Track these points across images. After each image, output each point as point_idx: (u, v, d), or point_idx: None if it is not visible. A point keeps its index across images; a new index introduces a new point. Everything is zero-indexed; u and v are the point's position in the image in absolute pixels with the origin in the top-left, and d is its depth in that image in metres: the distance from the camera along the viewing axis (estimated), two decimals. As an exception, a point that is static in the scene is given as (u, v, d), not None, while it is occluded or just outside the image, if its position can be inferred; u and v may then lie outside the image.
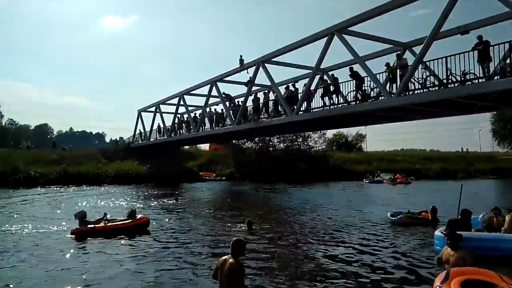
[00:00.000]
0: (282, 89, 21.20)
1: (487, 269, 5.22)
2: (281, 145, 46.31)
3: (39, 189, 28.49)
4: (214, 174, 43.65)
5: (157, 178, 35.47)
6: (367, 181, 38.75)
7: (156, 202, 19.31)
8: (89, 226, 10.86)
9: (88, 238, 10.33)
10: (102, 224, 11.05)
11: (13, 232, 11.35)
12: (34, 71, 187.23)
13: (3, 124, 68.37)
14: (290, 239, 10.33)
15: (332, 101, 18.16)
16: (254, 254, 8.39)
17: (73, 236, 10.57)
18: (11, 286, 6.38)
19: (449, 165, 50.15)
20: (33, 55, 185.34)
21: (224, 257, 4.99)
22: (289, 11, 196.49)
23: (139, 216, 11.69)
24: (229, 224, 12.40)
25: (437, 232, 8.68)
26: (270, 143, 45.82)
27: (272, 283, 6.45)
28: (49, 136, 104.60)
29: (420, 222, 12.95)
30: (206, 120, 29.05)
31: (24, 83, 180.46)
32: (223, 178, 42.49)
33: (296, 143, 46.06)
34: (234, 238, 5.02)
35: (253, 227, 11.38)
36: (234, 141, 44.22)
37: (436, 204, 14.03)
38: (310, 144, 46.95)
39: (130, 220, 11.27)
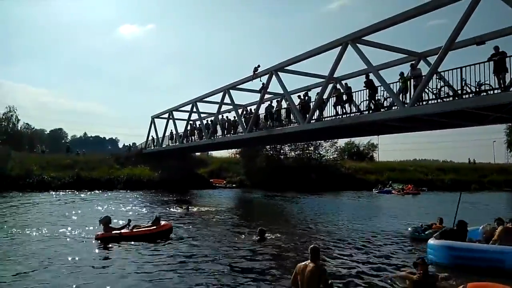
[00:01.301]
0: (294, 97, 21.26)
1: (504, 284, 5.11)
2: (292, 153, 46.24)
3: (52, 193, 28.85)
4: (225, 182, 43.69)
5: (168, 184, 35.64)
6: (377, 191, 38.47)
7: (169, 209, 19.36)
8: (114, 232, 10.97)
9: (113, 244, 10.40)
10: (126, 230, 11.15)
11: (37, 236, 11.44)
12: (50, 76, 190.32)
13: (19, 128, 69.29)
14: (302, 248, 10.25)
15: (344, 110, 18.15)
16: (267, 262, 8.39)
17: (98, 241, 10.67)
18: None
19: (462, 176, 49.41)
20: (50, 61, 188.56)
21: (303, 263, 5.68)
22: (304, 21, 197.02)
23: (163, 223, 11.76)
24: (242, 232, 12.37)
25: (431, 241, 8.67)
26: (282, 151, 45.76)
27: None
28: (63, 141, 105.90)
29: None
30: (218, 127, 29.25)
31: (41, 88, 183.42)
32: (234, 185, 42.51)
33: (307, 151, 45.92)
34: (311, 246, 5.80)
35: (266, 235, 11.31)
36: (245, 149, 44.28)
37: (441, 215, 13.40)
38: (321, 152, 46.79)
39: (155, 227, 11.34)
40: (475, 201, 28.69)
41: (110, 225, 11.21)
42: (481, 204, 25.75)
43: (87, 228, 12.70)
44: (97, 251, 9.70)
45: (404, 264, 8.13)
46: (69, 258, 8.70)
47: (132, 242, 10.54)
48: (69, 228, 12.72)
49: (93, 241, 10.73)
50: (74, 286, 6.59)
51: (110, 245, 10.26)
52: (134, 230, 11.21)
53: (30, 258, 8.61)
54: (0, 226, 13.05)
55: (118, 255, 9.22)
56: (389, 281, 7.07)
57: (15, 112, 65.73)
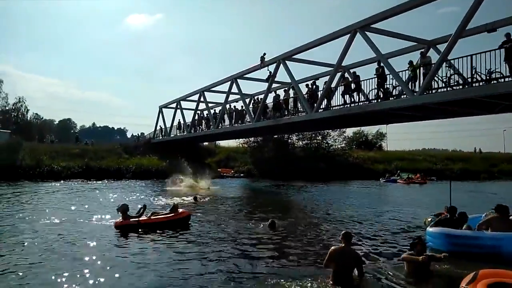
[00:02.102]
0: (302, 87, 21.18)
1: None
2: (300, 142, 46.15)
3: (62, 182, 29.21)
4: (233, 171, 43.85)
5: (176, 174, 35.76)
6: (383, 180, 38.48)
7: (179, 198, 19.44)
8: (132, 219, 11.05)
9: (132, 231, 10.48)
10: (144, 218, 11.23)
11: (55, 224, 11.55)
12: (60, 66, 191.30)
13: (28, 118, 69.98)
14: (315, 238, 10.29)
15: (353, 99, 18.04)
16: (281, 250, 8.46)
17: (117, 229, 10.78)
18: (65, 274, 6.52)
19: (472, 166, 49.08)
20: (59, 51, 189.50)
21: (338, 247, 6.20)
22: (313, 9, 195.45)
23: (181, 210, 11.84)
24: (252, 222, 12.41)
25: (429, 229, 8.80)
26: (289, 141, 45.70)
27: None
28: (72, 131, 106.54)
29: None
30: (226, 116, 29.28)
31: (50, 79, 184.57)
32: (241, 175, 42.63)
33: (315, 141, 45.81)
34: (344, 231, 6.41)
35: (276, 226, 11.31)
36: (252, 138, 44.30)
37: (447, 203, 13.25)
38: (329, 142, 46.67)
39: (173, 214, 11.42)
40: (484, 190, 28.58)
41: (128, 213, 11.29)
42: (489, 193, 25.62)
43: (104, 216, 12.84)
44: (116, 239, 9.75)
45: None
46: (90, 246, 8.79)
47: (150, 230, 10.60)
48: (87, 216, 12.85)
49: (112, 229, 10.81)
50: (93, 274, 6.61)
51: (129, 233, 10.32)
52: (152, 217, 11.27)
53: (49, 245, 8.69)
54: (17, 215, 13.20)
55: (137, 243, 9.27)
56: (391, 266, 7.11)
57: (24, 103, 66.42)
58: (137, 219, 11.09)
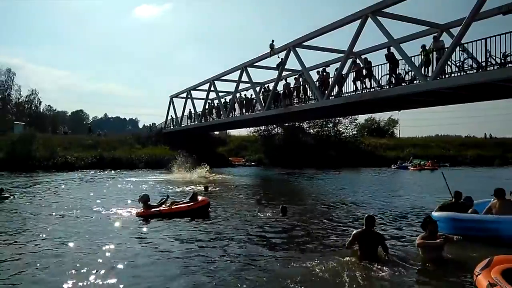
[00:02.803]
0: (312, 74, 21.04)
1: None
2: (311, 130, 46.05)
3: (76, 172, 29.64)
4: (244, 160, 44.01)
5: (188, 163, 36.03)
6: (395, 167, 38.38)
7: (191, 187, 19.56)
8: (153, 209, 11.14)
9: (153, 220, 10.56)
10: (165, 207, 11.33)
11: (76, 214, 11.62)
12: (71, 59, 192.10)
13: (41, 110, 70.90)
14: (327, 224, 10.31)
15: (364, 85, 17.88)
16: (289, 239, 8.48)
17: (140, 218, 10.88)
18: (88, 263, 6.56)
19: (485, 151, 48.52)
20: (70, 44, 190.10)
21: (360, 230, 6.68)
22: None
23: (200, 198, 11.91)
24: (264, 209, 12.45)
25: (434, 213, 8.76)
26: (300, 129, 45.62)
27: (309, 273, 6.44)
28: (84, 122, 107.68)
29: None
30: (236, 105, 29.27)
31: (63, 71, 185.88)
32: (252, 163, 42.76)
33: (326, 128, 45.66)
34: (367, 215, 6.79)
35: (288, 213, 11.35)
36: (263, 127, 44.29)
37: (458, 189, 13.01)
38: (340, 129, 46.47)
39: (193, 203, 11.47)
40: (497, 175, 28.27)
41: (149, 202, 11.38)
42: (503, 178, 25.36)
43: (123, 205, 13.01)
44: (138, 228, 9.77)
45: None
46: (112, 236, 8.80)
47: (171, 218, 10.69)
48: (106, 206, 12.91)
49: (133, 219, 10.90)
50: (116, 265, 6.60)
51: (150, 222, 10.40)
52: (173, 206, 11.34)
53: (71, 235, 8.75)
54: (40, 204, 13.41)
55: (159, 232, 9.25)
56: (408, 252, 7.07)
57: (37, 95, 67.24)
58: (158, 208, 11.19)
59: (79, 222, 10.20)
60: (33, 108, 66.85)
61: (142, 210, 11.15)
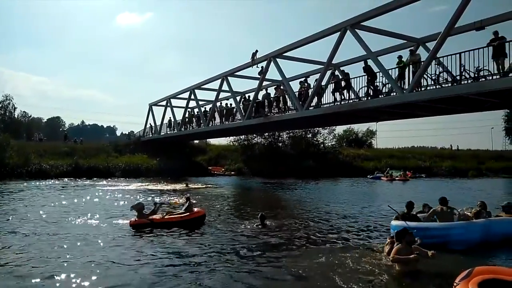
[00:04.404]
0: (293, 84, 21.19)
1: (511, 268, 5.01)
2: (290, 140, 46.23)
3: (52, 181, 28.88)
4: (223, 169, 43.76)
5: (166, 172, 35.68)
6: (370, 177, 39.09)
7: (169, 197, 19.28)
8: (148, 218, 10.96)
9: (147, 230, 10.41)
10: (160, 216, 11.17)
11: (66, 224, 11.40)
12: (49, 65, 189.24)
13: (16, 116, 69.17)
14: (303, 233, 10.34)
15: (343, 97, 18.10)
16: (267, 249, 8.45)
17: (133, 227, 10.67)
18: (78, 273, 6.48)
19: (460, 163, 49.64)
20: (50, 49, 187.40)
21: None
22: (305, 7, 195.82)
23: (196, 209, 11.74)
24: (245, 220, 12.36)
25: (393, 222, 9.32)
26: (280, 139, 45.76)
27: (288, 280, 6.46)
28: (61, 129, 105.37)
29: None
30: (216, 114, 29.18)
31: (40, 77, 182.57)
32: (232, 173, 42.57)
33: (305, 138, 45.93)
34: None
35: (266, 222, 11.26)
36: (243, 136, 44.24)
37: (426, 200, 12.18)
38: (319, 140, 46.83)
39: (188, 213, 11.31)
40: (471, 187, 28.94)
41: (143, 211, 11.20)
42: (475, 190, 26.08)
43: (116, 215, 12.89)
44: (131, 238, 9.64)
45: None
46: (104, 246, 8.65)
47: (165, 229, 10.54)
48: (97, 216, 12.62)
49: (127, 228, 10.71)
50: (107, 275, 6.55)
51: (144, 232, 10.25)
52: (167, 217, 11.22)
53: (63, 244, 8.59)
54: (24, 215, 13.03)
55: (152, 242, 9.17)
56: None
57: (11, 101, 65.66)
58: (151, 217, 11.02)
59: (68, 233, 9.90)
60: (7, 114, 65.16)
61: (136, 219, 10.95)
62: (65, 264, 6.98)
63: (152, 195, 19.45)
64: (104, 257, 7.57)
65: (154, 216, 11.14)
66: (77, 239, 9.13)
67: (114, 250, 8.22)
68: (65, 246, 8.39)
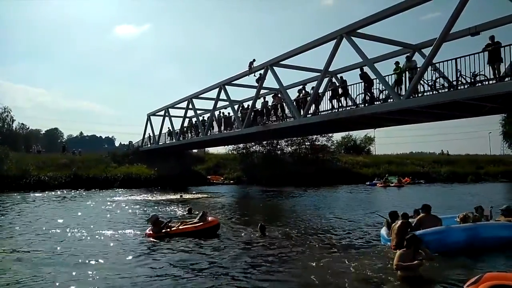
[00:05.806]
0: (290, 92, 21.26)
1: None
2: (289, 148, 46.23)
3: (52, 192, 28.78)
4: (222, 178, 43.65)
5: (165, 182, 35.63)
6: (368, 184, 39.07)
7: (170, 207, 19.18)
8: (163, 230, 11.00)
9: (162, 241, 10.46)
10: (175, 227, 11.22)
11: (79, 236, 11.43)
12: (47, 77, 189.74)
13: (14, 128, 69.09)
14: (304, 243, 10.28)
15: (340, 104, 18.15)
16: (268, 259, 8.41)
17: (149, 239, 10.74)
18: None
19: (459, 168, 49.64)
20: (48, 62, 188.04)
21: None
22: (300, 16, 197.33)
23: (210, 218, 11.74)
24: (244, 229, 12.34)
25: (383, 231, 9.69)
26: (278, 147, 45.75)
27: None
28: (59, 141, 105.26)
29: None
30: (215, 123, 29.22)
31: (39, 89, 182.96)
32: (231, 181, 42.48)
33: (303, 146, 45.92)
34: None
35: (266, 233, 11.25)
36: (241, 145, 44.22)
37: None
38: (317, 147, 46.72)
39: (202, 223, 11.31)
40: (470, 191, 28.96)
41: (158, 222, 11.21)
42: (472, 194, 26.14)
43: (132, 226, 12.97)
44: (148, 249, 9.66)
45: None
46: (120, 257, 8.72)
47: (181, 239, 10.60)
48: (114, 227, 12.69)
49: (143, 239, 10.77)
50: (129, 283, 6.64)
51: (159, 242, 10.32)
52: (181, 227, 11.31)
53: (81, 257, 8.64)
54: (34, 226, 13.08)
55: (168, 253, 9.19)
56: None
57: (9, 113, 65.64)
58: (167, 229, 11.08)
59: (87, 245, 9.97)
60: (6, 126, 65.12)
61: (151, 231, 11.02)
62: (75, 279, 7.01)
63: (145, 208, 19.25)
64: (114, 269, 7.65)
65: (169, 227, 11.22)
66: (86, 253, 9.08)
67: (124, 263, 8.27)
68: (73, 261, 8.31)
